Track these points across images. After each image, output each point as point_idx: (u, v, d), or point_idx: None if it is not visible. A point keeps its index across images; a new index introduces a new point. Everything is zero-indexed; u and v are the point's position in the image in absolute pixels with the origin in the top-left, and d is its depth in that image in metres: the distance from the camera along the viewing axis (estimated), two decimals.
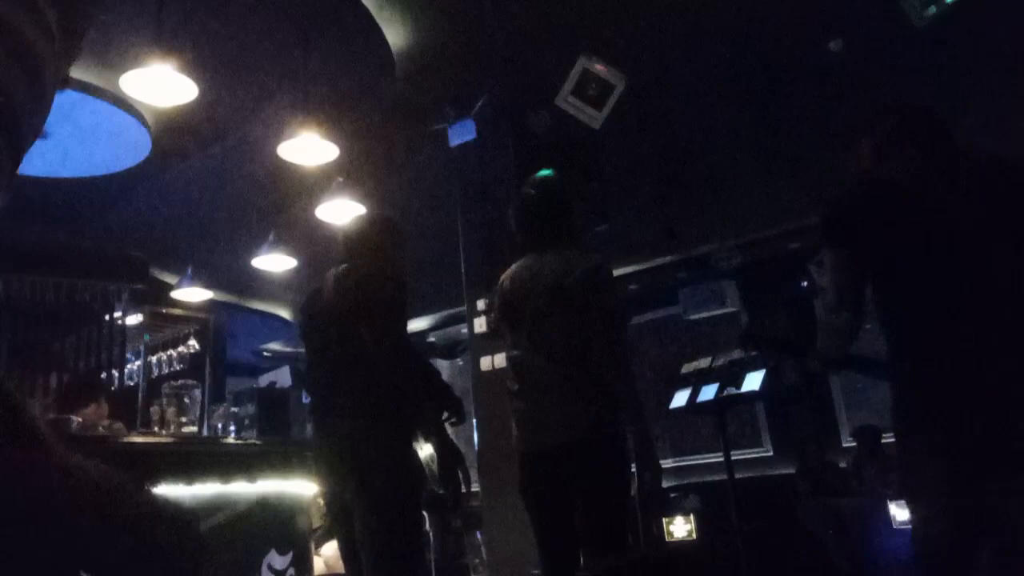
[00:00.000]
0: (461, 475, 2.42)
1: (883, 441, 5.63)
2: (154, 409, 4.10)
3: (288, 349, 9.70)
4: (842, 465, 6.25)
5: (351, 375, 2.47)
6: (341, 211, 4.78)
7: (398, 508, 2.39)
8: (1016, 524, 1.79)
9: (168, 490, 2.76)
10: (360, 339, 2.42)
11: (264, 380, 9.03)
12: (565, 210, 2.65)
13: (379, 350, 2.41)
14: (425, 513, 5.04)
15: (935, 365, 1.87)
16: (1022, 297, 1.83)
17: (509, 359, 2.63)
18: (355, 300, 2.47)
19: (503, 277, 2.69)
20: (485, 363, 4.44)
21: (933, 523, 1.85)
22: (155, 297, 6.76)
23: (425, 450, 2.75)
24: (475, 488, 4.36)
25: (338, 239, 2.76)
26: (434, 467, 2.53)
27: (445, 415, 2.63)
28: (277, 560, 3.08)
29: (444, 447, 2.41)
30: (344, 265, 2.62)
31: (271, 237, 5.65)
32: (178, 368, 6.81)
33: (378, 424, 2.43)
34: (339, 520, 2.56)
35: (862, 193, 2.05)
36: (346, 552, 2.57)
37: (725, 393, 4.13)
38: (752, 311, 7.25)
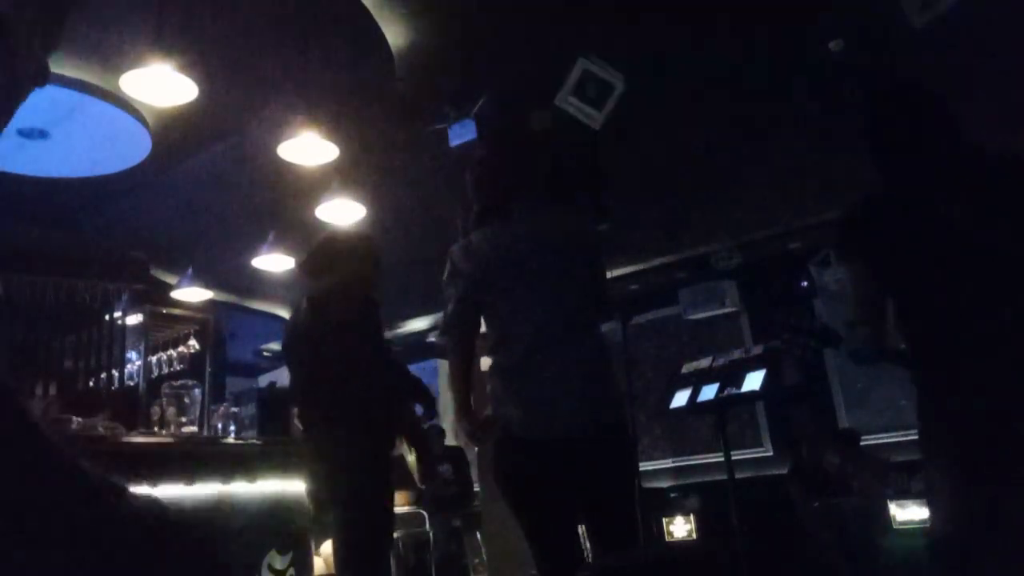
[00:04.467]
0: (458, 475, 2.64)
1: (862, 444, 5.70)
2: (154, 409, 4.11)
3: None
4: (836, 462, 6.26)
5: (326, 389, 2.70)
6: (341, 211, 4.78)
7: (364, 508, 2.60)
8: None
9: (168, 490, 2.77)
10: (333, 356, 2.65)
11: (264, 380, 9.01)
12: (535, 164, 2.65)
13: (349, 367, 2.63)
14: (425, 513, 5.06)
15: (947, 372, 1.87)
16: None
17: (509, 333, 2.33)
18: (326, 323, 2.70)
19: (477, 241, 2.40)
20: (485, 363, 4.42)
21: (947, 522, 1.85)
22: (155, 297, 6.77)
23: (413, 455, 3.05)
24: (475, 488, 4.37)
25: (312, 255, 2.92)
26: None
27: (419, 409, 2.85)
28: (277, 560, 3.07)
29: (420, 451, 2.72)
30: (316, 288, 2.85)
31: (271, 237, 5.65)
32: (178, 368, 6.81)
33: (352, 433, 2.64)
34: (324, 520, 2.84)
35: (873, 206, 2.05)
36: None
37: (725, 393, 4.12)
38: (752, 311, 7.25)
